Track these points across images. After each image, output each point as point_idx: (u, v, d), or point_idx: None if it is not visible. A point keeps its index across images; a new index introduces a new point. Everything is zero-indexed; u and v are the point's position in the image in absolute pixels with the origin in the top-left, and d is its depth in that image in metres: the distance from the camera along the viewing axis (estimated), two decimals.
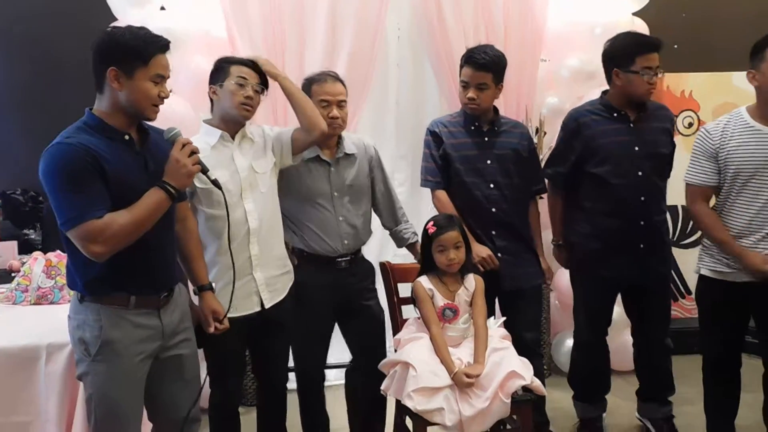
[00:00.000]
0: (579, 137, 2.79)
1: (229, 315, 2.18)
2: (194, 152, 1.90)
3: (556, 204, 2.93)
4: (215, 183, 1.96)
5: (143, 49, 1.85)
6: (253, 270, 2.32)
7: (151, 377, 1.99)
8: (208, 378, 2.35)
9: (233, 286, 2.16)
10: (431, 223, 2.51)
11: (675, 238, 4.32)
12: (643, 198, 2.72)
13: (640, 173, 2.71)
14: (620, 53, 2.70)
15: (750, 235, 2.45)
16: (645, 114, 2.76)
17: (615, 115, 2.76)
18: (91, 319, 1.89)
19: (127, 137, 1.89)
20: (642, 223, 2.74)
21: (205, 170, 1.93)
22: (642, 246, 2.75)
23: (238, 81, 2.28)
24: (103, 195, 1.79)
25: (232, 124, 2.34)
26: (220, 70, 2.32)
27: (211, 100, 2.37)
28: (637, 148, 2.72)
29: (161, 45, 1.90)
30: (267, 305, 2.35)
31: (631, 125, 2.75)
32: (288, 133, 2.44)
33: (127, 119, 1.90)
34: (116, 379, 1.90)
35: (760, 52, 2.43)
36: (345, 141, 2.61)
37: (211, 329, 2.17)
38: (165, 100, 1.94)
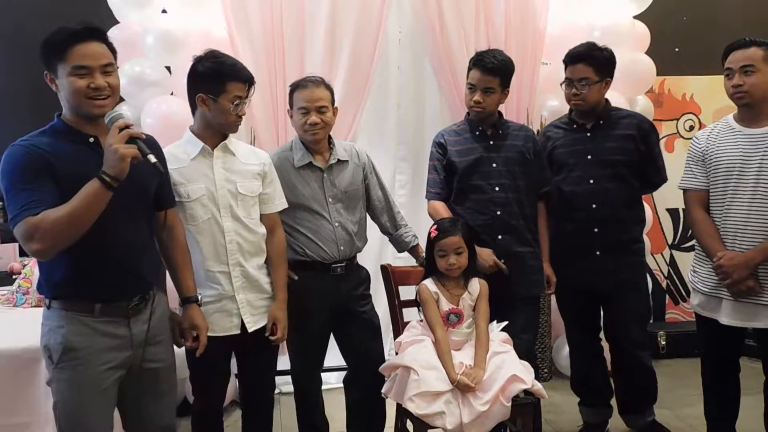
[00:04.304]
0: (546, 150, 2.91)
1: (210, 335, 2.15)
2: (136, 137, 1.77)
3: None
4: (155, 166, 1.79)
5: (56, 44, 1.78)
6: (236, 291, 2.25)
7: (125, 387, 1.94)
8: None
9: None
10: (434, 226, 2.52)
11: (676, 242, 4.33)
12: (594, 205, 2.77)
13: (591, 181, 2.78)
14: None
15: (744, 236, 2.43)
16: (606, 123, 2.81)
17: (574, 126, 2.86)
18: (55, 326, 1.85)
19: (92, 140, 1.84)
20: (596, 230, 2.78)
21: (144, 153, 1.77)
22: (598, 253, 2.79)
23: (234, 101, 2.18)
24: (48, 194, 1.73)
25: (217, 134, 2.27)
26: (215, 81, 2.17)
27: (194, 104, 2.24)
28: (589, 157, 2.79)
29: (72, 33, 1.78)
30: (250, 328, 2.27)
31: (588, 134, 2.81)
32: (270, 200, 2.36)
33: (83, 120, 1.84)
34: (79, 387, 1.84)
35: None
36: (336, 147, 2.59)
37: (187, 344, 2.11)
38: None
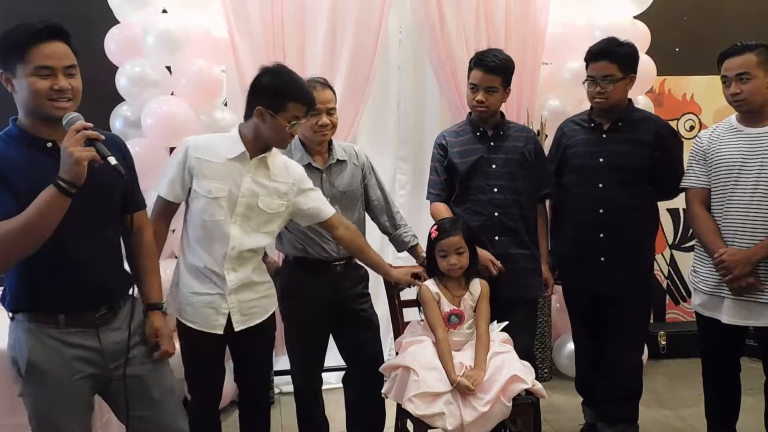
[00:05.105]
0: (559, 146, 2.88)
1: (194, 327, 2.14)
2: (94, 139, 1.68)
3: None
4: (115, 168, 1.72)
5: (16, 42, 1.69)
6: (228, 292, 2.21)
7: (113, 400, 1.92)
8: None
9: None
10: (435, 227, 2.52)
11: (676, 242, 4.33)
12: (601, 210, 2.72)
13: (600, 185, 2.72)
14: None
15: (744, 234, 2.44)
16: (624, 125, 2.72)
17: (592, 125, 2.79)
18: (22, 339, 1.79)
19: (49, 144, 1.75)
20: (602, 235, 2.73)
21: (104, 156, 1.69)
22: (603, 258, 2.73)
23: (291, 120, 2.15)
24: (1, 204, 1.66)
25: (262, 145, 2.23)
26: (277, 98, 2.14)
27: (250, 113, 2.20)
28: (601, 160, 2.72)
29: (35, 32, 1.69)
30: (237, 328, 2.23)
31: (604, 136, 2.75)
32: (318, 210, 2.35)
33: (42, 123, 1.75)
34: (51, 400, 1.79)
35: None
36: (335, 148, 2.59)
37: (156, 355, 2.00)
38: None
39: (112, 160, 1.70)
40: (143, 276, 2.04)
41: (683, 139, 4.20)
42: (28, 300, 1.79)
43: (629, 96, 2.78)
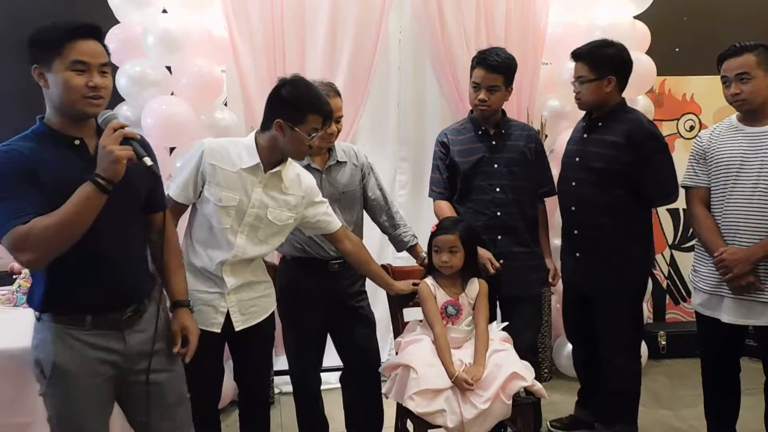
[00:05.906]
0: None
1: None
2: (130, 137, 1.71)
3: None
4: (150, 169, 1.75)
5: (54, 38, 1.70)
6: (228, 292, 2.23)
7: (133, 403, 1.91)
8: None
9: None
10: (438, 223, 2.56)
11: (676, 242, 4.33)
12: (573, 208, 2.77)
13: (573, 183, 2.76)
14: None
15: (744, 233, 2.44)
16: (603, 125, 2.70)
17: (584, 123, 2.82)
18: (47, 340, 1.79)
19: (77, 142, 1.76)
20: (576, 232, 2.78)
21: (140, 156, 1.72)
22: (578, 254, 2.78)
23: (311, 133, 2.14)
24: (34, 201, 1.65)
25: (278, 156, 2.23)
26: (297, 110, 2.12)
27: (268, 124, 2.16)
28: (577, 159, 2.76)
29: (73, 29, 1.71)
30: (237, 327, 2.25)
31: (585, 136, 2.77)
32: (326, 223, 2.37)
33: (71, 120, 1.76)
34: (75, 401, 1.80)
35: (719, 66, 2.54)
36: (336, 149, 2.60)
37: (175, 349, 1.99)
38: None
39: (148, 161, 1.73)
40: (169, 275, 2.05)
41: (683, 139, 4.24)
42: (57, 299, 1.78)
43: (624, 97, 2.77)
